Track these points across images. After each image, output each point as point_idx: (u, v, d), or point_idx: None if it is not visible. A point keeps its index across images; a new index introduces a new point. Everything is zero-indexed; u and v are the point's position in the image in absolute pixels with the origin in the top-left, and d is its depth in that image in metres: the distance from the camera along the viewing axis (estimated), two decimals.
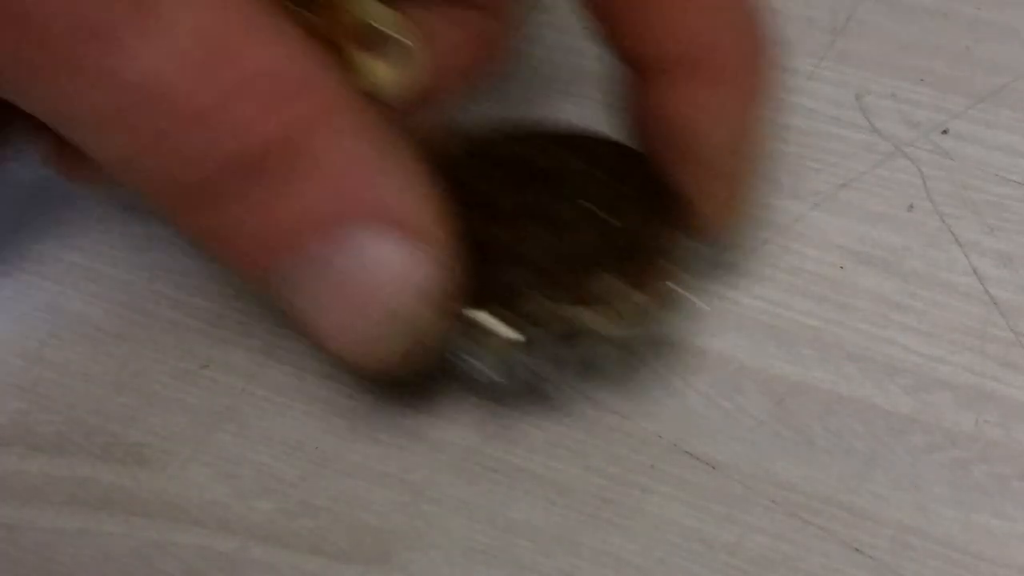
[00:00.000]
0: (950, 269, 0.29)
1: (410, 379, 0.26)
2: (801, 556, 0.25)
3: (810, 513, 0.25)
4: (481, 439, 0.27)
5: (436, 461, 0.26)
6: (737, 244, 0.29)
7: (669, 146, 0.26)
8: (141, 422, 0.27)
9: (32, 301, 0.29)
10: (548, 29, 0.35)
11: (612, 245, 0.25)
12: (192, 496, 0.26)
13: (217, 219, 0.23)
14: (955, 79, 0.33)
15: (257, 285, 0.24)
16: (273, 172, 0.22)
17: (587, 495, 0.26)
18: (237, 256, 0.23)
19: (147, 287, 0.29)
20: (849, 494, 0.26)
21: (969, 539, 0.25)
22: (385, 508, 0.26)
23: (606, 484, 0.26)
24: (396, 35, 0.28)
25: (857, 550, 0.25)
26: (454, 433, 0.27)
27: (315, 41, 0.24)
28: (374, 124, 0.23)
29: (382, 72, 0.26)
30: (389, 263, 0.23)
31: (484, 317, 0.25)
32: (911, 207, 0.31)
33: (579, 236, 0.25)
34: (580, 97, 0.33)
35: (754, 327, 0.28)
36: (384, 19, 0.28)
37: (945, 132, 0.32)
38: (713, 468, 0.26)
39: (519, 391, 0.26)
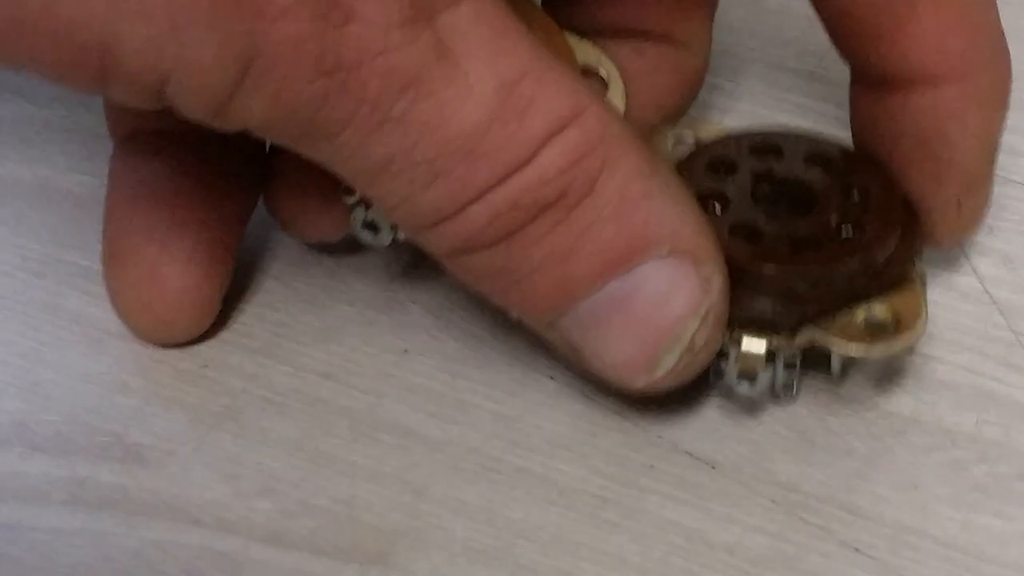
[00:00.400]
0: (950, 269, 0.29)
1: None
2: (801, 556, 0.25)
3: (810, 513, 0.25)
4: (481, 439, 0.27)
5: (436, 461, 0.26)
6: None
7: (917, 156, 0.26)
8: (141, 422, 0.27)
9: (32, 301, 0.29)
10: None
11: (858, 263, 0.25)
12: (192, 496, 0.26)
13: (513, 263, 0.23)
14: None
15: (542, 325, 0.25)
16: (572, 215, 0.23)
17: (587, 495, 0.26)
18: (532, 299, 0.24)
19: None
20: (849, 494, 0.26)
21: (969, 539, 0.25)
22: (385, 508, 0.26)
23: (606, 484, 0.26)
24: (602, 71, 0.28)
25: (857, 550, 0.25)
26: (454, 433, 0.27)
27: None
28: (649, 153, 0.24)
29: None
30: (680, 291, 0.24)
31: (742, 339, 0.25)
32: None
33: (823, 254, 0.25)
34: None
35: None
36: (590, 55, 0.29)
37: None
38: (713, 468, 0.26)
39: (761, 396, 0.26)
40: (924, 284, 0.26)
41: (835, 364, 0.26)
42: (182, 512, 0.26)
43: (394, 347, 0.28)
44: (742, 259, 0.25)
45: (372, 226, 0.27)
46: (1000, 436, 0.26)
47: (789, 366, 0.26)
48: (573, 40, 0.29)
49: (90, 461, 0.26)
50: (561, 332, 0.24)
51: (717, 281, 0.24)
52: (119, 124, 0.29)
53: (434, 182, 0.22)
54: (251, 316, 0.29)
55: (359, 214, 0.27)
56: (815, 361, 0.26)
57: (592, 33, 0.29)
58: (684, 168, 0.27)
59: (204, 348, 0.28)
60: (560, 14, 0.28)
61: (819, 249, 0.25)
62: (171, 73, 0.20)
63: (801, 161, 0.27)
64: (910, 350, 0.27)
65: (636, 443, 0.26)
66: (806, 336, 0.25)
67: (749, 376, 0.25)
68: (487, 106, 0.22)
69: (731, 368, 0.25)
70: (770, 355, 0.25)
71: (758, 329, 0.25)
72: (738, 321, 0.25)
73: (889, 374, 0.27)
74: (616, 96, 0.29)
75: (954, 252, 0.30)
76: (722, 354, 0.25)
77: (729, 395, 0.27)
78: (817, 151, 0.27)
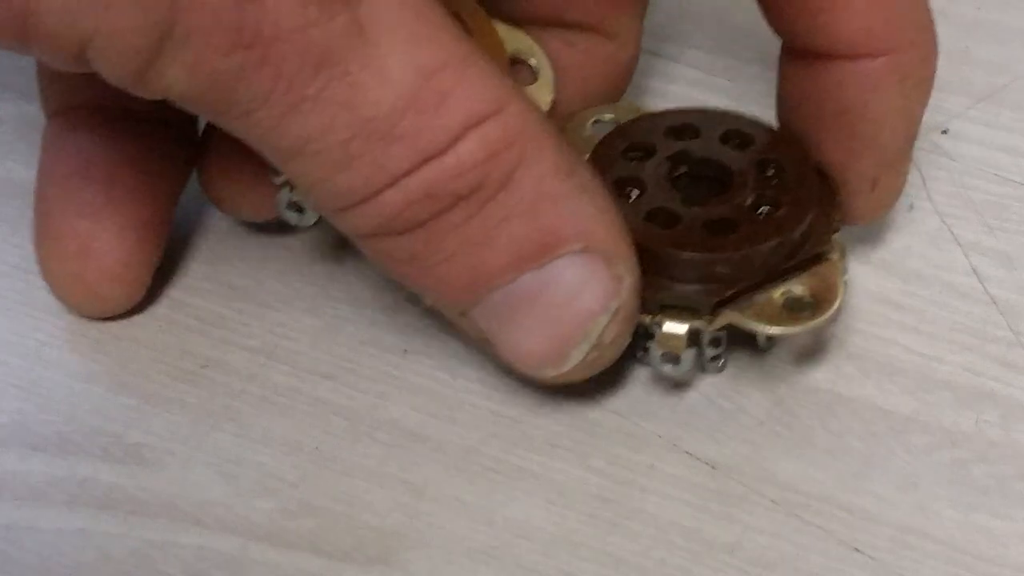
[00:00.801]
0: (950, 269, 0.29)
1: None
2: (801, 556, 0.25)
3: (810, 513, 0.25)
4: (481, 439, 0.27)
5: (436, 461, 0.26)
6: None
7: (837, 129, 0.27)
8: (141, 422, 0.27)
9: (32, 301, 0.29)
10: None
11: (775, 242, 0.25)
12: (192, 496, 0.26)
13: (427, 251, 0.24)
14: (955, 79, 0.33)
15: (454, 313, 0.25)
16: (487, 207, 0.23)
17: (587, 495, 0.26)
18: (445, 287, 0.24)
19: (147, 287, 0.29)
20: (849, 494, 0.26)
21: (969, 539, 0.25)
22: (385, 508, 0.26)
23: (606, 484, 0.26)
24: (532, 60, 0.28)
25: (857, 550, 0.25)
26: (454, 433, 0.27)
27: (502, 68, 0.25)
28: (568, 151, 0.24)
29: None
30: (590, 288, 0.24)
31: (663, 323, 0.26)
32: (911, 207, 0.31)
33: (740, 235, 0.26)
34: None
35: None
36: (521, 44, 0.29)
37: (945, 132, 0.32)
38: (713, 468, 0.26)
39: (688, 373, 0.26)
40: (843, 258, 0.27)
41: (760, 340, 0.27)
42: (182, 512, 0.26)
43: (394, 347, 0.28)
44: (660, 245, 0.25)
45: (297, 207, 0.27)
46: (1000, 436, 0.26)
47: (715, 342, 0.26)
48: (503, 29, 0.29)
49: (90, 461, 0.26)
50: (473, 321, 0.25)
51: (628, 280, 0.24)
52: (51, 99, 0.29)
53: (350, 164, 0.22)
54: (251, 316, 0.29)
55: (284, 195, 0.27)
56: (742, 333, 0.26)
57: (523, 22, 0.29)
58: (601, 151, 0.27)
59: (204, 348, 0.28)
60: (491, 3, 0.28)
61: (736, 230, 0.26)
62: (92, 37, 0.21)
63: (718, 141, 0.27)
64: (830, 324, 0.27)
65: (636, 443, 0.26)
66: (726, 317, 0.26)
67: (672, 360, 0.26)
68: (404, 91, 0.22)
69: (655, 352, 0.26)
70: (693, 336, 0.26)
71: (679, 312, 0.26)
72: (659, 305, 0.25)
73: (890, 373, 0.27)
74: (545, 86, 0.29)
75: (954, 252, 0.30)
76: (647, 337, 0.26)
77: (658, 376, 0.27)
78: (734, 130, 0.28)
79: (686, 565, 0.25)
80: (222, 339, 0.28)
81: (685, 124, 0.28)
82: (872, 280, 0.29)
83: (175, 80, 0.22)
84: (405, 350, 0.28)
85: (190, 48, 0.21)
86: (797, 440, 0.26)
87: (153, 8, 0.20)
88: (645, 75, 0.34)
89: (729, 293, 0.25)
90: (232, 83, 0.21)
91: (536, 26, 0.29)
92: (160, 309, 0.29)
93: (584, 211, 0.24)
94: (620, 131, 0.28)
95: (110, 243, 0.28)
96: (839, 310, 0.26)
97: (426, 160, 0.22)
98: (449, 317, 0.26)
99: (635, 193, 0.26)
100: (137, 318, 0.29)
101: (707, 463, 0.26)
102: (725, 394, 0.27)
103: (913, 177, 0.31)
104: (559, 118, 0.29)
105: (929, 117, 0.32)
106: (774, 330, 0.25)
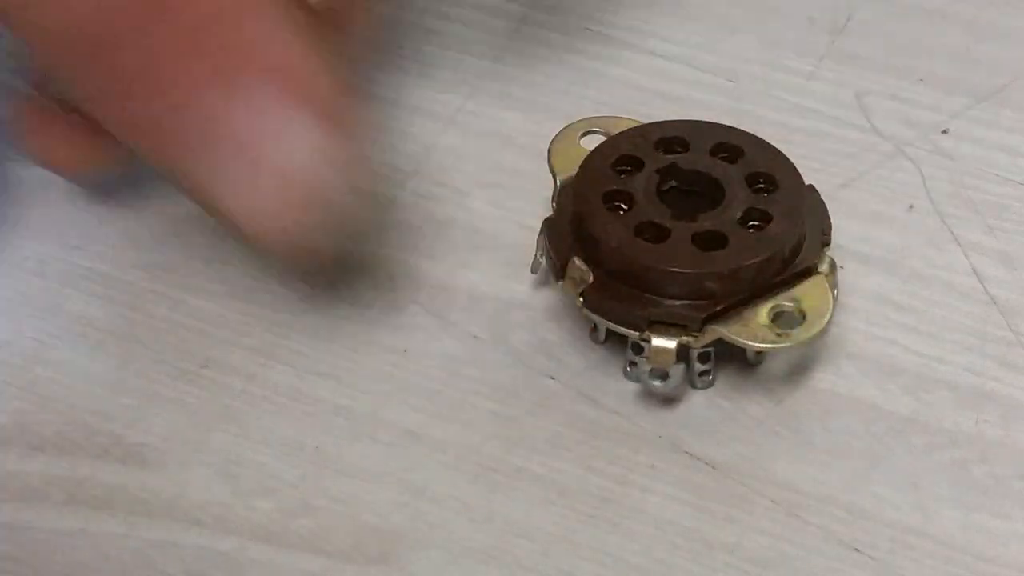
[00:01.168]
0: (950, 269, 0.29)
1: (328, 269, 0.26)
2: (801, 556, 0.25)
3: (810, 513, 0.25)
4: (481, 439, 0.27)
5: (436, 461, 0.26)
6: None
7: None
8: (141, 422, 0.27)
9: (32, 301, 0.29)
10: None
11: (764, 257, 0.25)
12: (192, 496, 0.26)
13: (118, 66, 0.23)
14: (955, 79, 0.33)
15: (173, 175, 0.24)
16: (171, 15, 0.22)
17: (587, 495, 0.26)
18: (132, 115, 0.23)
19: (147, 287, 0.29)
20: (849, 494, 0.26)
21: (969, 539, 0.25)
22: (385, 508, 0.26)
23: (606, 484, 0.26)
24: None
25: (857, 550, 0.25)
26: (454, 433, 0.27)
27: None
28: (294, 8, 0.23)
29: None
30: (289, 125, 0.23)
31: (652, 338, 0.25)
32: (911, 207, 0.31)
33: (729, 250, 0.26)
34: None
35: None
36: None
37: (945, 132, 0.32)
38: (713, 468, 0.26)
39: (677, 386, 0.26)
40: (834, 272, 0.27)
41: (750, 355, 0.27)
42: (182, 512, 0.26)
43: (394, 347, 0.28)
44: (649, 260, 0.25)
45: None
46: (1000, 436, 0.26)
47: (704, 357, 0.26)
48: None
49: (90, 461, 0.26)
50: (187, 177, 0.24)
51: (345, 127, 0.23)
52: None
53: None
54: (251, 316, 0.29)
55: None
56: (732, 347, 0.26)
57: None
58: (590, 164, 0.27)
59: (204, 348, 0.28)
60: None
61: (726, 245, 0.26)
62: None
63: (707, 154, 0.27)
64: (819, 339, 0.26)
65: (636, 443, 0.26)
66: (715, 333, 0.26)
67: (661, 375, 0.26)
68: None
69: (643, 367, 0.26)
70: (682, 351, 0.26)
71: (667, 328, 0.26)
72: (647, 320, 0.25)
73: (890, 373, 0.27)
74: None
75: (954, 252, 0.30)
76: (637, 351, 0.26)
77: (647, 390, 0.27)
78: (723, 143, 0.27)
79: (686, 565, 0.25)
80: (222, 339, 0.28)
81: (675, 137, 0.28)
82: (872, 280, 0.29)
83: None
84: (405, 350, 0.28)
85: None
86: (797, 440, 0.26)
87: None
88: (646, 76, 0.34)
89: (718, 308, 0.25)
90: None
91: None
92: (160, 309, 0.29)
93: (296, 53, 0.23)
94: (609, 144, 0.28)
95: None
96: (829, 325, 0.26)
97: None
98: (174, 184, 0.25)
99: (624, 208, 0.26)
100: (137, 318, 0.29)
101: (707, 463, 0.26)
102: (725, 394, 0.27)
103: (913, 177, 0.31)
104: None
105: (929, 117, 0.33)
106: (763, 346, 0.25)
